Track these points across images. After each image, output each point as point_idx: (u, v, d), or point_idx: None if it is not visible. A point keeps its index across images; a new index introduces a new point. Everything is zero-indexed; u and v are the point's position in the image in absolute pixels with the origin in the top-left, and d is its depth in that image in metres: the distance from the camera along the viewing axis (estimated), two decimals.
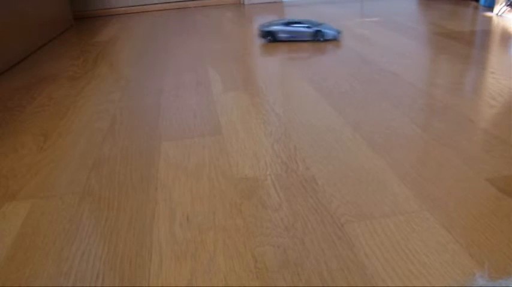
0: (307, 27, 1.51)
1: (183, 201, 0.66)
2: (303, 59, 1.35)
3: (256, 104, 1.02)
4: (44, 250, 0.58)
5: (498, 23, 1.63)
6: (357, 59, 1.31)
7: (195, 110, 1.01)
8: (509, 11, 1.73)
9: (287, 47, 1.51)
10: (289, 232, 0.58)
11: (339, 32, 1.53)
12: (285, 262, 0.53)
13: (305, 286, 0.49)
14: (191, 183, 0.71)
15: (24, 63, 1.57)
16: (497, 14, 1.78)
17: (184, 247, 0.57)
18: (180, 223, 0.61)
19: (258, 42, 1.61)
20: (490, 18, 1.72)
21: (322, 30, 1.51)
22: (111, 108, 1.06)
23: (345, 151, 0.78)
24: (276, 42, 1.56)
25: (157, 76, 1.30)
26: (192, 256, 0.55)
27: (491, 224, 0.57)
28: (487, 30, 1.54)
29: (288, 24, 1.53)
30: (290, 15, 2.08)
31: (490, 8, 1.90)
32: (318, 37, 1.52)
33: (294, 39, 1.54)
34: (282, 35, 1.53)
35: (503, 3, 1.75)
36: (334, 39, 1.54)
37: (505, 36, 1.46)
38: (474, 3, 2.05)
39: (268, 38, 1.55)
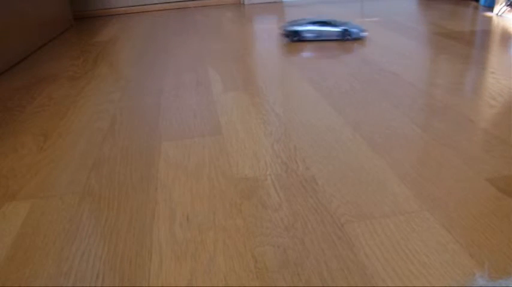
0: (334, 26, 1.51)
1: (183, 201, 0.66)
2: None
3: (256, 104, 1.02)
4: (44, 250, 0.58)
5: (498, 23, 1.63)
6: (357, 59, 1.31)
7: (195, 110, 1.01)
8: (509, 11, 1.73)
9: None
10: (289, 232, 0.58)
11: (363, 31, 1.53)
12: (285, 262, 0.53)
13: (305, 286, 0.49)
14: (191, 183, 0.71)
15: (24, 63, 1.57)
16: (497, 14, 1.78)
17: (184, 247, 0.57)
18: (180, 223, 0.61)
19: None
20: (490, 18, 1.72)
21: (349, 29, 1.50)
22: (111, 108, 1.06)
23: (345, 151, 0.78)
24: (294, 42, 1.54)
25: (157, 76, 1.30)
26: (192, 256, 0.55)
27: (491, 224, 0.57)
28: (487, 30, 1.54)
29: (313, 23, 1.52)
30: (290, 15, 2.08)
31: (490, 8, 1.90)
32: (345, 36, 1.51)
33: (320, 39, 1.54)
34: (309, 35, 1.52)
35: (503, 3, 1.75)
36: (361, 38, 1.54)
37: (505, 36, 1.46)
38: (474, 3, 2.05)
39: (295, 38, 1.53)
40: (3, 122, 1.03)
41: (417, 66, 1.21)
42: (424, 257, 0.52)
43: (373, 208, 0.61)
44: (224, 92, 1.12)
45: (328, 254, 0.53)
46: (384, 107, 0.95)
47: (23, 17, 1.65)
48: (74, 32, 2.10)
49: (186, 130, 0.91)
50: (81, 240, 0.59)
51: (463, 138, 0.79)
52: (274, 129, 0.88)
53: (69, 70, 1.43)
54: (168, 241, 0.58)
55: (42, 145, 0.89)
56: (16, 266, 0.55)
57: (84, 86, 1.25)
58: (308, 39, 1.53)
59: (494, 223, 0.57)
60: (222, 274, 0.52)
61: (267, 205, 0.64)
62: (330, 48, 1.45)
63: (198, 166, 0.76)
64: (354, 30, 1.51)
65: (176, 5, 2.59)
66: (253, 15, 2.19)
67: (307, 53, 1.41)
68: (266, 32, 1.78)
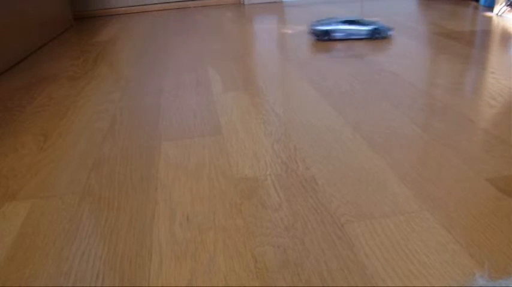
0: (363, 25, 1.51)
1: (183, 201, 0.66)
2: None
3: (256, 104, 1.02)
4: (44, 250, 0.58)
5: (498, 23, 1.63)
6: (357, 59, 1.31)
7: (195, 110, 1.01)
8: (509, 11, 1.73)
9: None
10: (289, 232, 0.58)
11: (390, 29, 1.53)
12: (285, 262, 0.53)
13: (305, 286, 0.49)
14: (191, 183, 0.71)
15: (24, 63, 1.57)
16: (497, 14, 1.78)
17: (184, 247, 0.57)
18: (180, 223, 0.61)
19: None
20: (490, 18, 1.72)
21: (379, 27, 1.51)
22: (111, 108, 1.06)
23: (345, 151, 0.78)
24: (324, 41, 1.54)
25: (157, 76, 1.30)
26: (192, 256, 0.55)
27: (491, 224, 0.57)
28: (487, 30, 1.54)
29: (342, 22, 1.52)
30: (290, 15, 2.08)
31: (490, 8, 1.90)
32: (375, 35, 1.51)
33: (350, 38, 1.54)
34: (339, 34, 1.52)
35: (503, 3, 1.75)
36: (388, 37, 1.54)
37: (505, 36, 1.46)
38: (474, 3, 2.05)
39: (325, 37, 1.53)
40: (3, 122, 1.03)
41: (417, 66, 1.21)
42: (424, 257, 0.52)
43: (373, 208, 0.61)
44: (224, 92, 1.12)
45: (328, 254, 0.53)
46: (384, 107, 0.95)
47: (23, 17, 1.65)
48: (74, 32, 2.10)
49: (186, 130, 0.91)
50: (81, 240, 0.59)
51: (463, 138, 0.79)
52: (274, 129, 0.88)
53: (69, 70, 1.43)
54: (168, 241, 0.58)
55: (42, 145, 0.89)
56: (16, 266, 0.55)
57: (84, 86, 1.25)
58: (338, 38, 1.53)
59: (494, 223, 0.57)
60: (222, 274, 0.52)
61: (267, 205, 0.64)
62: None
63: (198, 166, 0.76)
64: (383, 28, 1.52)
65: (176, 5, 2.59)
66: (253, 15, 2.19)
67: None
68: (266, 32, 1.78)
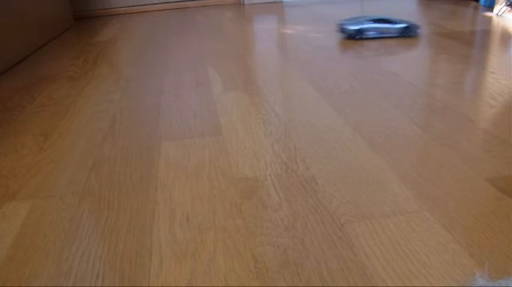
0: (393, 23, 1.51)
1: (183, 201, 0.66)
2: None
3: (256, 104, 1.02)
4: (44, 250, 0.58)
5: (498, 23, 1.63)
6: (357, 59, 1.31)
7: (195, 110, 1.01)
8: (509, 11, 1.73)
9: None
10: (289, 232, 0.58)
11: (419, 28, 1.54)
12: (285, 262, 0.53)
13: (305, 286, 0.49)
14: (191, 183, 0.71)
15: (24, 63, 1.57)
16: (497, 14, 1.78)
17: (184, 247, 0.57)
18: (180, 223, 0.61)
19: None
20: (490, 18, 1.72)
21: (410, 26, 1.51)
22: (111, 108, 1.06)
23: (345, 151, 0.78)
24: (356, 39, 1.55)
25: (157, 76, 1.30)
26: (192, 256, 0.55)
27: (491, 224, 0.57)
28: (487, 30, 1.54)
29: (373, 21, 1.52)
30: (290, 15, 2.08)
31: (490, 8, 1.90)
32: (406, 33, 1.52)
33: (381, 37, 1.54)
34: (371, 33, 1.53)
35: (503, 3, 1.75)
36: (418, 35, 1.54)
37: (505, 36, 1.46)
38: (474, 3, 2.05)
39: (357, 36, 1.53)
40: (3, 122, 1.03)
41: (417, 66, 1.21)
42: (424, 257, 0.52)
43: (373, 208, 0.61)
44: (224, 92, 1.12)
45: (328, 254, 0.53)
46: (384, 107, 0.95)
47: (23, 17, 1.65)
48: (74, 32, 2.10)
49: (186, 130, 0.91)
50: (81, 240, 0.59)
51: (463, 138, 0.79)
52: (274, 129, 0.88)
53: (69, 70, 1.43)
54: (168, 241, 0.58)
55: (42, 145, 0.89)
56: (16, 266, 0.55)
57: (84, 86, 1.25)
58: (370, 37, 1.54)
59: (494, 223, 0.57)
60: (222, 274, 0.52)
61: (267, 205, 0.64)
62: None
63: (198, 166, 0.76)
64: (413, 27, 1.52)
65: (176, 5, 2.59)
66: (253, 15, 2.19)
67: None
68: (266, 32, 1.78)
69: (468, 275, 0.49)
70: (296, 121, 0.91)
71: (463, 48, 1.34)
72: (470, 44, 1.39)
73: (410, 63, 1.24)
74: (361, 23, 1.52)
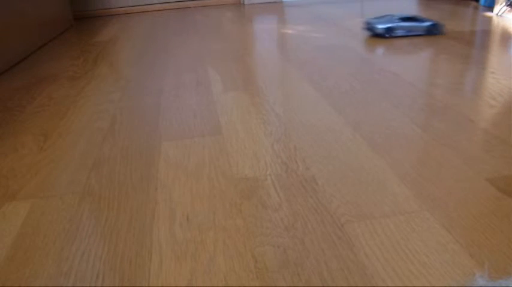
0: (420, 21, 1.52)
1: (183, 201, 0.66)
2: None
3: (256, 104, 1.02)
4: (44, 250, 0.58)
5: (498, 23, 1.63)
6: (356, 59, 1.31)
7: (195, 110, 1.01)
8: (509, 11, 1.73)
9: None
10: (289, 232, 0.58)
11: (443, 26, 1.55)
12: (285, 262, 0.53)
13: (305, 286, 0.49)
14: (191, 183, 0.71)
15: (24, 63, 1.57)
16: (497, 14, 1.77)
17: (184, 247, 0.57)
18: (180, 223, 0.61)
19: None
20: (490, 18, 1.72)
21: (436, 23, 1.52)
22: (111, 108, 1.06)
23: (345, 151, 0.78)
24: (387, 38, 1.55)
25: (157, 76, 1.30)
26: (192, 256, 0.55)
27: (491, 224, 0.57)
28: (487, 30, 1.54)
29: (401, 19, 1.53)
30: (290, 15, 2.08)
31: (490, 8, 1.90)
32: (433, 31, 1.52)
33: (409, 35, 1.54)
34: (400, 31, 1.53)
35: (503, 3, 1.75)
36: (443, 33, 1.55)
37: (505, 36, 1.46)
38: (474, 3, 2.05)
39: (387, 34, 1.54)
40: (3, 122, 1.03)
41: (417, 66, 1.21)
42: (424, 257, 0.52)
43: (373, 208, 0.61)
44: (224, 92, 1.12)
45: (328, 254, 0.53)
46: (384, 107, 0.95)
47: (23, 17, 1.65)
48: (74, 32, 2.10)
49: (186, 130, 0.91)
50: (81, 240, 0.59)
51: (463, 138, 0.79)
52: (274, 129, 0.88)
53: (69, 70, 1.43)
54: (168, 241, 0.58)
55: (42, 145, 0.89)
56: (16, 266, 0.55)
57: (84, 86, 1.25)
58: (400, 35, 1.54)
59: (494, 223, 0.57)
60: (222, 274, 0.52)
61: (267, 205, 0.64)
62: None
63: (198, 166, 0.76)
64: (439, 24, 1.53)
65: (176, 5, 2.59)
66: (253, 15, 2.19)
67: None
68: (266, 32, 1.78)
69: (468, 275, 0.49)
70: (296, 121, 0.91)
71: (463, 48, 1.34)
72: (470, 44, 1.39)
73: (410, 63, 1.24)
74: (390, 21, 1.53)
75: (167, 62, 1.44)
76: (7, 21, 1.51)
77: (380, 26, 1.53)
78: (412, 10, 2.00)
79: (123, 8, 2.52)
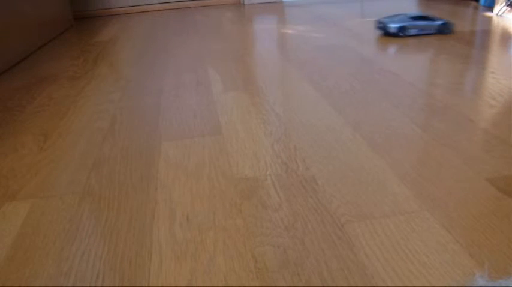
0: (432, 20, 1.53)
1: (183, 201, 0.66)
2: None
3: (256, 104, 1.02)
4: (44, 250, 0.58)
5: (498, 23, 1.63)
6: (357, 59, 1.31)
7: (195, 110, 1.01)
8: (509, 11, 1.73)
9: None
10: (289, 232, 0.58)
11: (453, 25, 1.56)
12: (285, 262, 0.53)
13: (305, 286, 0.49)
14: (191, 183, 0.71)
15: (24, 63, 1.57)
16: (497, 14, 1.77)
17: (184, 247, 0.57)
18: (180, 223, 0.61)
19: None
20: (490, 18, 1.72)
21: (448, 22, 1.52)
22: (111, 108, 1.06)
23: (345, 151, 0.78)
24: (400, 37, 1.56)
25: (157, 76, 1.30)
26: (192, 256, 0.55)
27: (491, 224, 0.57)
28: (487, 30, 1.54)
29: (413, 18, 1.53)
30: (290, 15, 2.08)
31: (490, 8, 1.90)
32: (444, 30, 1.53)
33: (421, 34, 1.55)
34: (413, 30, 1.54)
35: (503, 3, 1.75)
36: (453, 32, 1.55)
37: (505, 36, 1.46)
38: (474, 3, 2.05)
39: (400, 33, 1.54)
40: (3, 122, 1.03)
41: (417, 66, 1.21)
42: (424, 257, 0.52)
43: (373, 208, 0.61)
44: (224, 92, 1.12)
45: (328, 254, 0.53)
46: (384, 107, 0.95)
47: (23, 17, 1.65)
48: (74, 32, 2.10)
49: (186, 130, 0.91)
50: (81, 240, 0.59)
51: (463, 138, 0.79)
52: (274, 129, 0.88)
53: (69, 70, 1.43)
54: (168, 241, 0.58)
55: (42, 145, 0.89)
56: (16, 266, 0.55)
57: (84, 86, 1.25)
58: (413, 34, 1.55)
59: (494, 223, 0.57)
60: (222, 274, 0.52)
61: (267, 205, 0.64)
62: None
63: (198, 166, 0.76)
64: (450, 23, 1.53)
65: (176, 5, 2.59)
66: (253, 15, 2.19)
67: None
68: (266, 32, 1.78)
69: (468, 275, 0.49)
70: (296, 121, 0.91)
71: (463, 48, 1.34)
72: (470, 44, 1.39)
73: (410, 63, 1.24)
74: (403, 20, 1.54)
75: (167, 62, 1.44)
76: (7, 21, 1.51)
77: (393, 25, 1.54)
78: (412, 10, 2.00)
79: (123, 8, 2.52)
